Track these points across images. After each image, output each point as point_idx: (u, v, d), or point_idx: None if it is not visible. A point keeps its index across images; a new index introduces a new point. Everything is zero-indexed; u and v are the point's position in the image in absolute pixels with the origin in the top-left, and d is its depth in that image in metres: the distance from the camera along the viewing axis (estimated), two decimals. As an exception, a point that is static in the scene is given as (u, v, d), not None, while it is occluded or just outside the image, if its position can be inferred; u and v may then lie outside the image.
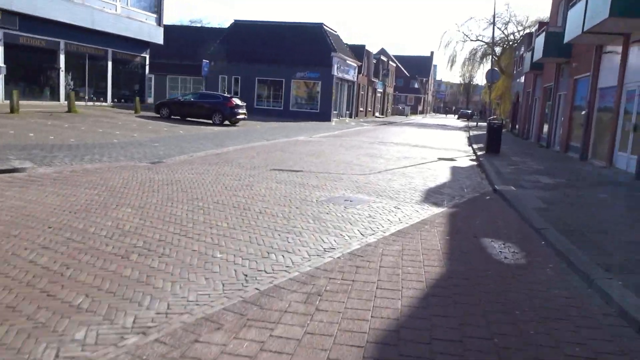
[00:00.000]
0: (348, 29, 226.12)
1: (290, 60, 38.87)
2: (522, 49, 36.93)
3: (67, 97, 21.75)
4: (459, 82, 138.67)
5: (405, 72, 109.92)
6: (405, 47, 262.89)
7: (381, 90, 60.61)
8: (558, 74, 22.33)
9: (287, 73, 39.05)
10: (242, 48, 39.95)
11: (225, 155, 13.43)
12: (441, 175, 12.55)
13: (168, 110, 25.03)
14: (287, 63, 38.85)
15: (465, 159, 17.35)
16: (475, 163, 16.25)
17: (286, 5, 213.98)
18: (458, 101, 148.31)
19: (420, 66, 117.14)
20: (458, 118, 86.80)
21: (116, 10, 29.46)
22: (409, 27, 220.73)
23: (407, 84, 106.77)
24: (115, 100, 30.64)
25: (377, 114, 59.65)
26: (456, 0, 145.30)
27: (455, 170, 13.78)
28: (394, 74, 70.63)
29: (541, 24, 29.65)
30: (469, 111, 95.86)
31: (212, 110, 24.29)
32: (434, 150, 19.94)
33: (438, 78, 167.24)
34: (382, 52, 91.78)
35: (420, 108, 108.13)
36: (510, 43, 56.91)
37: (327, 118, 38.72)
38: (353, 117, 46.93)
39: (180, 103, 25.04)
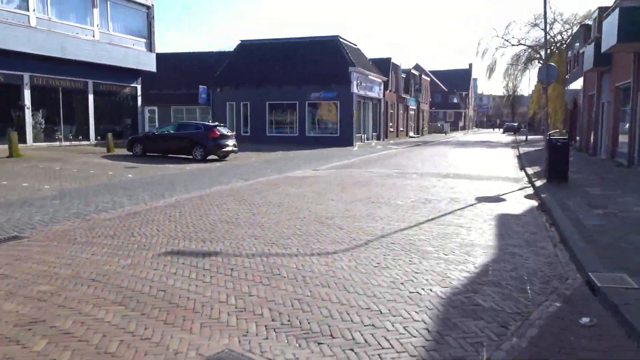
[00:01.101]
0: (379, 49, 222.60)
1: (303, 80, 34.27)
2: (577, 45, 30.87)
3: (8, 139, 17.68)
4: (501, 94, 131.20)
5: (443, 86, 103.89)
6: (441, 62, 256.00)
7: (414, 107, 55.12)
8: (639, 67, 16.57)
9: (301, 94, 34.42)
10: (249, 70, 35.71)
11: (133, 219, 8.54)
12: (478, 242, 7.14)
13: (141, 146, 20.66)
14: (300, 83, 34.26)
15: (518, 195, 11.83)
16: (534, 203, 10.71)
17: (307, 25, 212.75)
18: (502, 114, 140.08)
19: (459, 80, 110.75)
20: (503, 132, 79.88)
21: (94, 37, 25.71)
22: (442, 40, 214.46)
23: (445, 99, 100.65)
24: (99, 138, 26.67)
25: (411, 133, 54.10)
26: (489, 7, 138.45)
27: (503, 225, 8.34)
28: (428, 88, 65.04)
29: (602, 9, 23.76)
30: (515, 124, 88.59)
31: (192, 144, 19.72)
32: (472, 181, 14.46)
33: (479, 91, 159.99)
34: (417, 67, 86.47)
35: (461, 124, 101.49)
36: (558, 44, 50.51)
37: (348, 142, 33.66)
38: (382, 139, 41.68)
39: (154, 137, 20.63)
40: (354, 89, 33.84)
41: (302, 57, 35.05)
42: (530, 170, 16.99)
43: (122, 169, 16.25)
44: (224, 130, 20.47)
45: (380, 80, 39.94)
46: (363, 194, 11.49)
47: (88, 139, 26.11)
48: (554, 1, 70.75)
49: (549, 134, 13.27)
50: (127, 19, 28.28)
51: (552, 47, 51.49)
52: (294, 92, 34.44)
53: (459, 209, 9.60)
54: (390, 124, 45.43)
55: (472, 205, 10.14)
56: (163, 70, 38.51)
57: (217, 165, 18.47)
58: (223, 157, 20.89)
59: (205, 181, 13.91)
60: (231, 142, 20.56)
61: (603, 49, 16.96)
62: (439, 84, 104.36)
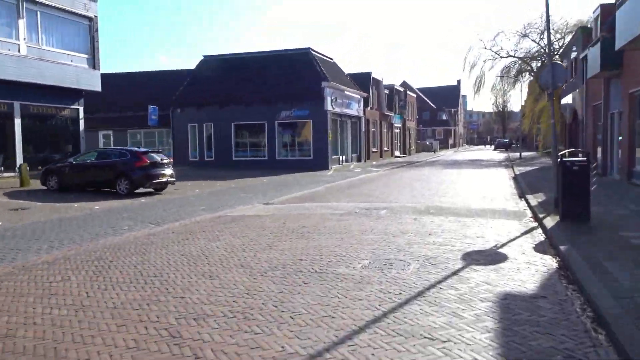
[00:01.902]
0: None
1: (272, 98, 30.80)
2: (574, 52, 27.69)
3: None
4: (491, 110, 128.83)
5: (431, 103, 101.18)
6: (429, 80, 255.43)
7: (399, 125, 51.79)
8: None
9: (270, 114, 30.89)
10: (213, 88, 32.22)
11: None
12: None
13: (57, 179, 16.88)
14: (268, 101, 30.77)
15: (524, 244, 8.15)
16: (552, 262, 7.01)
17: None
18: (493, 130, 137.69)
19: (447, 96, 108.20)
20: (495, 149, 76.83)
21: (19, 51, 22.12)
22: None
23: (434, 117, 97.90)
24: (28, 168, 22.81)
25: (397, 152, 50.66)
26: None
27: (513, 334, 4.63)
28: (414, 105, 61.92)
29: (604, 6, 20.56)
30: (507, 140, 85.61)
31: (116, 175, 15.98)
32: (460, 220, 10.79)
33: (469, 108, 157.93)
34: (404, 84, 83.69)
35: (451, 141, 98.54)
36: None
37: (323, 165, 30.06)
38: (363, 160, 38.13)
39: (72, 168, 16.83)
40: (329, 106, 30.38)
41: (271, 72, 31.64)
42: (533, 200, 13.38)
43: (1, 212, 12.46)
44: (157, 157, 16.74)
45: (359, 97, 36.56)
46: (296, 251, 7.77)
47: (14, 169, 22.30)
48: (542, 11, 68.27)
49: (561, 155, 9.70)
50: (64, 32, 24.71)
51: (543, 58, 48.66)
52: (263, 111, 30.93)
53: (433, 286, 5.87)
54: (373, 143, 41.96)
55: (456, 272, 6.42)
56: (121, 91, 35.01)
57: (140, 203, 14.70)
58: (159, 189, 17.16)
59: (98, 229, 10.15)
60: (167, 172, 16.84)
61: (618, 45, 13.55)
62: (427, 100, 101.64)
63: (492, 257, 7.30)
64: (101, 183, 16.40)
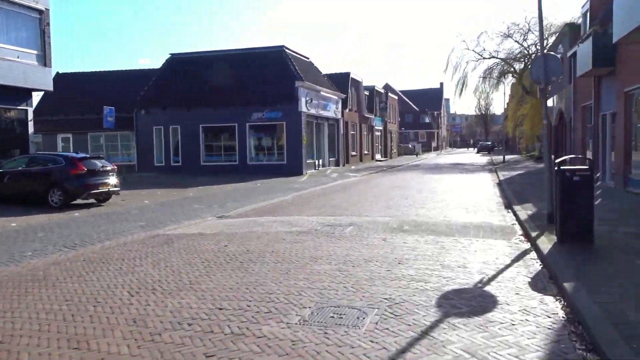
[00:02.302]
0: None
1: (243, 99, 28.88)
2: (560, 50, 26.28)
3: None
4: (474, 113, 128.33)
5: (414, 106, 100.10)
6: (412, 83, 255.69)
7: (380, 128, 50.20)
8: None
9: (241, 116, 28.97)
10: (180, 89, 30.19)
11: None
12: None
13: (-19, 190, 14.77)
14: (239, 103, 28.85)
15: (517, 276, 6.35)
16: (556, 309, 5.22)
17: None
18: (476, 133, 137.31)
19: (430, 99, 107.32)
20: (477, 152, 75.79)
21: (-47, 45, 19.92)
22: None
23: (416, 119, 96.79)
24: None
25: (378, 156, 49.03)
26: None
27: None
28: (396, 108, 60.46)
29: (595, -1, 19.10)
30: (489, 143, 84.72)
31: (48, 185, 13.94)
32: (437, 239, 9.03)
33: (452, 111, 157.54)
34: (387, 87, 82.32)
35: (434, 144, 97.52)
36: (532, 56, 46.47)
37: (297, 171, 28.21)
38: (342, 164, 36.36)
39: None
40: (303, 107, 28.56)
41: (242, 71, 29.74)
42: (521, 212, 11.69)
43: None
44: (98, 164, 14.70)
45: (337, 98, 34.80)
46: (221, 293, 5.89)
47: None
48: (528, 11, 67.23)
49: (559, 162, 8.00)
50: (10, 25, 22.47)
51: (526, 60, 47.55)
52: (233, 113, 28.98)
53: None
54: (352, 147, 40.23)
55: (427, 332, 4.61)
56: (85, 91, 32.80)
57: (71, 218, 12.67)
58: (102, 200, 15.14)
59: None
60: (111, 180, 14.83)
61: (618, 36, 11.92)
62: (410, 103, 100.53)
63: (477, 301, 5.50)
64: (31, 193, 14.32)
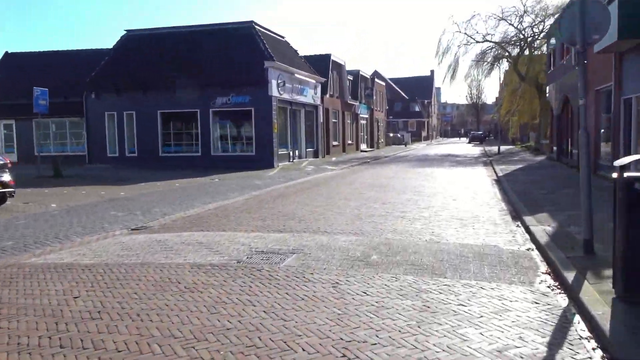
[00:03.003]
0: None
1: (206, 81, 25.38)
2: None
3: None
4: (465, 102, 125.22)
5: (403, 94, 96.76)
6: (402, 71, 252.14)
7: (366, 116, 46.81)
8: None
9: (204, 100, 25.47)
10: (136, 70, 26.60)
11: None
12: None
13: None
14: (202, 86, 25.34)
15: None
16: None
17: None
18: (467, 122, 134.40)
19: (420, 87, 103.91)
20: (469, 142, 72.79)
21: None
22: (402, 45, 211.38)
23: (406, 108, 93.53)
24: None
25: (363, 146, 45.71)
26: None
27: None
28: (384, 95, 57.06)
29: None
30: (481, 133, 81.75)
31: None
32: (418, 285, 5.78)
33: (442, 100, 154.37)
34: (375, 74, 78.81)
35: (424, 134, 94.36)
36: (529, 39, 43.28)
37: (268, 163, 24.84)
38: (321, 155, 33.02)
39: None
40: (274, 91, 25.11)
41: (206, 50, 26.18)
42: (537, 228, 8.50)
43: None
44: (-20, 158, 11.25)
45: (316, 82, 31.35)
46: None
47: None
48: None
49: (620, 167, 4.78)
50: None
51: (522, 44, 44.34)
52: (195, 98, 25.47)
53: None
54: (334, 136, 36.85)
55: None
56: (34, 74, 29.07)
57: None
58: (-6, 204, 11.71)
59: None
60: (5, 178, 11.40)
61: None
62: (399, 91, 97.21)
63: None
64: None
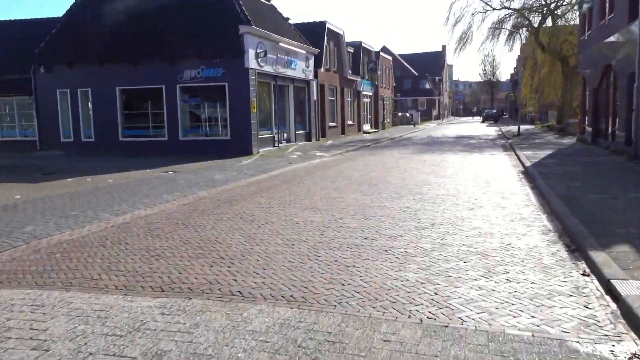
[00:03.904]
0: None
1: (172, 52, 21.29)
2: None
3: None
4: (478, 80, 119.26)
5: (413, 70, 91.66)
6: (411, 47, 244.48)
7: (370, 93, 42.42)
8: None
9: (170, 75, 21.39)
10: (91, 40, 22.55)
11: None
12: None
13: None
14: (167, 57, 21.26)
15: None
16: None
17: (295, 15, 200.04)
18: (480, 101, 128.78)
19: (431, 63, 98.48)
20: (483, 121, 68.17)
21: None
22: (411, 20, 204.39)
23: (416, 85, 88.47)
24: None
25: (366, 127, 41.45)
26: None
27: None
28: (391, 70, 52.40)
29: None
30: (494, 111, 76.82)
31: None
32: None
33: (455, 77, 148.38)
34: (385, 50, 73.91)
35: (435, 112, 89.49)
36: (552, 6, 38.45)
37: (245, 149, 20.85)
38: (315, 139, 28.94)
39: None
40: (251, 63, 20.95)
41: (171, 15, 21.98)
42: (624, 286, 4.44)
43: None
44: None
45: (307, 53, 27.06)
46: None
47: None
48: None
49: None
50: None
51: (544, 11, 39.52)
52: (159, 71, 21.42)
53: None
54: (331, 116, 32.63)
55: None
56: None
57: None
58: None
59: None
60: None
61: None
62: (408, 67, 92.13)
63: None
64: None
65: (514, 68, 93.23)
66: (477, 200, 9.57)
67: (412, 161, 17.64)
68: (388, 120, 50.70)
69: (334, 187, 11.84)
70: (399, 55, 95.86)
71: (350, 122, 36.54)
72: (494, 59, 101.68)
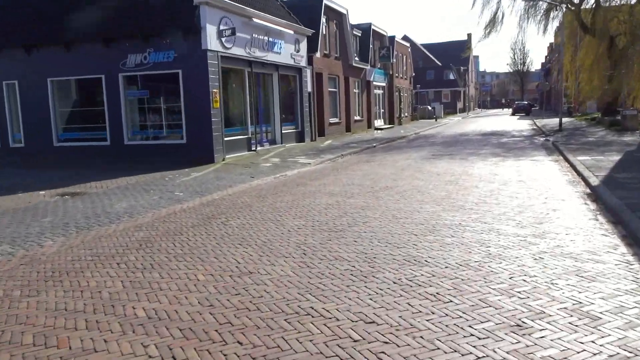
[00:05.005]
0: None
1: (111, 32, 16.54)
2: None
3: None
4: (507, 70, 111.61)
5: (436, 60, 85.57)
6: (435, 36, 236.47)
7: (382, 84, 37.08)
8: None
9: (110, 61, 16.63)
10: (15, 20, 17.99)
11: None
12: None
13: None
14: (106, 38, 16.53)
15: None
16: None
17: None
18: (508, 92, 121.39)
19: (456, 53, 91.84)
20: (513, 113, 62.07)
21: None
22: (433, 8, 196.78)
23: (439, 76, 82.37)
24: None
25: (378, 122, 36.17)
26: None
27: None
28: (408, 59, 46.77)
29: None
30: (526, 103, 70.28)
31: None
32: None
33: (481, 69, 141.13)
34: (406, 39, 68.30)
35: (459, 105, 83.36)
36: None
37: (205, 155, 15.96)
38: (311, 138, 23.92)
39: None
40: (211, 43, 16.02)
41: (115, -15, 17.21)
42: None
43: None
44: None
45: (296, 34, 21.96)
46: None
47: None
48: None
49: None
50: None
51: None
52: (97, 57, 16.70)
53: None
54: (332, 111, 27.49)
55: None
56: None
57: None
58: None
59: None
60: None
61: None
62: (431, 57, 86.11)
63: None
64: None
65: (546, 56, 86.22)
66: (536, 301, 4.39)
67: (421, 174, 12.46)
68: (406, 114, 45.25)
69: (273, 234, 6.83)
70: (421, 44, 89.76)
71: (357, 118, 31.32)
72: (523, 47, 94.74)
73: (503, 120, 45.73)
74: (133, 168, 15.00)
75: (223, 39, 16.56)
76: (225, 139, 16.93)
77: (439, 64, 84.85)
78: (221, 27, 16.43)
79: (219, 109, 16.37)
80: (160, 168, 14.78)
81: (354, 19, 25.75)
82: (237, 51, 17.54)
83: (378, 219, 7.56)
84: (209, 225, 7.64)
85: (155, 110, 17.19)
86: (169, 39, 15.98)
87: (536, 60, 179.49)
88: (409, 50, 47.47)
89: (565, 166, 13.19)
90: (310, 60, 23.72)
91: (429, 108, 59.05)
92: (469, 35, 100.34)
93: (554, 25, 40.68)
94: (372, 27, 32.96)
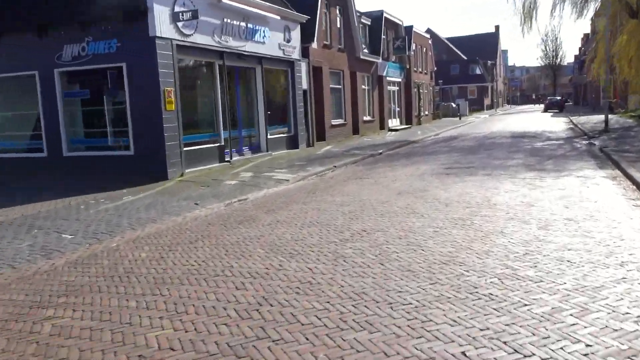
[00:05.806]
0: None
1: (42, 18, 13.35)
2: None
3: None
4: (537, 64, 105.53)
5: (462, 54, 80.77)
6: (462, 29, 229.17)
7: (398, 80, 33.23)
8: None
9: (43, 53, 13.45)
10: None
11: None
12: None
13: None
14: (36, 26, 13.34)
15: None
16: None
17: None
18: (539, 87, 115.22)
19: (483, 46, 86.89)
20: (545, 110, 57.26)
21: None
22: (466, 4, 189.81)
23: (464, 71, 77.58)
24: None
25: (393, 122, 32.38)
26: None
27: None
28: (428, 52, 42.71)
29: None
30: (559, 98, 65.16)
31: None
32: None
33: (510, 63, 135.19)
34: (429, 32, 64.08)
35: (487, 101, 78.45)
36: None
37: (157, 170, 12.62)
38: (308, 143, 20.41)
39: None
40: (162, 29, 12.65)
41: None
42: None
43: None
44: None
45: (284, 19, 18.42)
46: None
47: None
48: None
49: None
50: None
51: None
52: (29, 50, 13.57)
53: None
54: (335, 112, 23.85)
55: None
56: None
57: None
58: None
59: None
60: None
61: None
62: (457, 51, 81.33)
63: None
64: None
65: (580, 48, 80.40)
66: None
67: (423, 203, 8.81)
68: (426, 112, 41.28)
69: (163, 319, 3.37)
70: (446, 38, 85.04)
71: (367, 118, 27.61)
72: (556, 38, 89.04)
73: (534, 118, 41.30)
74: (66, 187, 11.88)
75: (179, 24, 13.18)
76: (186, 148, 13.56)
77: (464, 57, 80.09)
78: (177, 9, 13.06)
79: (174, 112, 13.00)
80: (97, 187, 11.57)
81: (367, 8, 22.41)
82: (202, 39, 14.14)
83: (306, 329, 4.01)
84: (66, 305, 4.22)
85: (99, 114, 13.92)
86: (110, 25, 12.69)
87: (568, 54, 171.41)
88: (430, 42, 43.42)
89: (630, 187, 9.37)
90: (305, 52, 20.20)
91: (453, 105, 54.78)
92: (497, 28, 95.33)
93: (589, 9, 36.14)
94: (385, 14, 29.16)
